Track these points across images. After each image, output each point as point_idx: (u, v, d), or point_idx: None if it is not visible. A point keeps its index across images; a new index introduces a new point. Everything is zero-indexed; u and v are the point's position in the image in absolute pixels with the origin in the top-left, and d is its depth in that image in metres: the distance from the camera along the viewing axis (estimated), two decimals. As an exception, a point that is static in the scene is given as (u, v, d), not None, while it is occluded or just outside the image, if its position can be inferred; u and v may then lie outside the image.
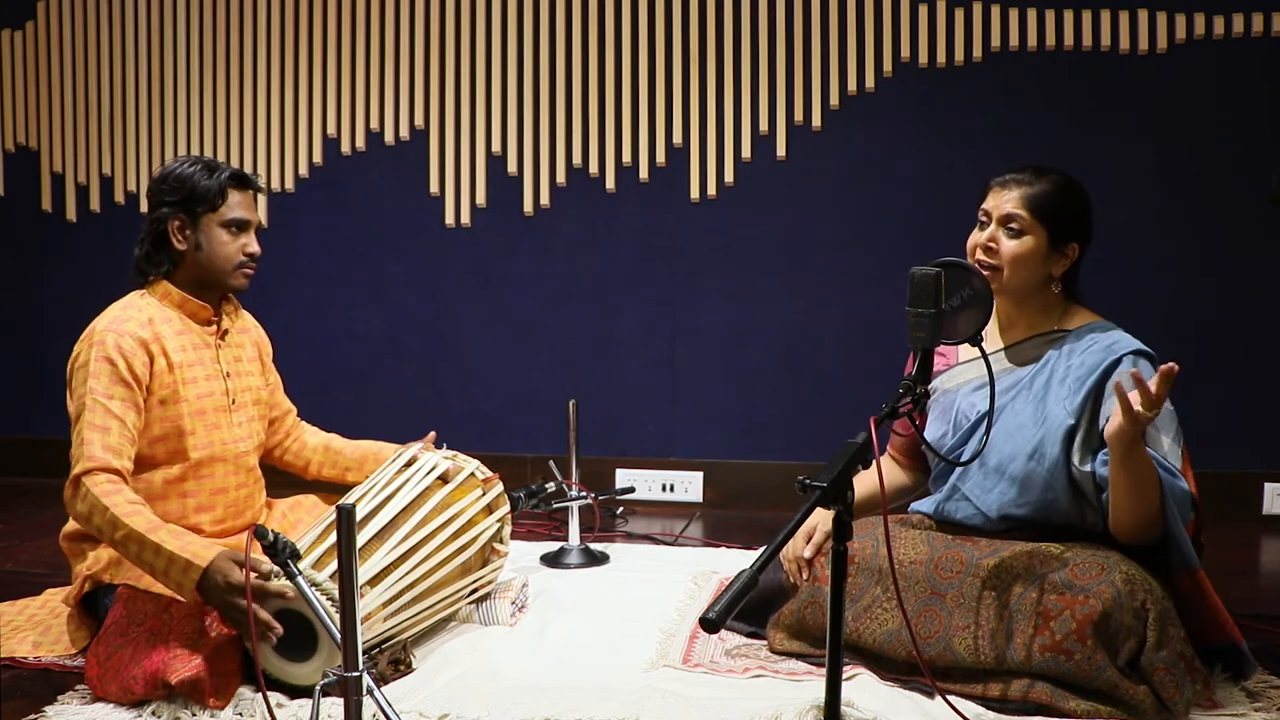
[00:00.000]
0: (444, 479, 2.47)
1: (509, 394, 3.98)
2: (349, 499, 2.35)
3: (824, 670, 1.69)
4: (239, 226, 2.38)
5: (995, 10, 3.66)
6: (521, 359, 3.97)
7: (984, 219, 2.23)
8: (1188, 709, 1.98)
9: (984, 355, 1.96)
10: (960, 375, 2.32)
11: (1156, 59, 3.60)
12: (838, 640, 1.66)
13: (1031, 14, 3.64)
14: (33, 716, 2.04)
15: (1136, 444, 1.94)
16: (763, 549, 1.61)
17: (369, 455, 2.69)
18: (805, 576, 2.29)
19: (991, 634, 2.03)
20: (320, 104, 4.00)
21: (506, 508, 2.60)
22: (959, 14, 3.68)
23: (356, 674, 1.59)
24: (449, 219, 3.96)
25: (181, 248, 2.37)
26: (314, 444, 2.73)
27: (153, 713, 2.04)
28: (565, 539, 3.12)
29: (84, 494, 2.14)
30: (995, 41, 3.66)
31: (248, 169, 3.56)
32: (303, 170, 4.03)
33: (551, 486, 3.04)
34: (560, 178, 3.91)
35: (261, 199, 3.94)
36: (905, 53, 3.71)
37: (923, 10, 3.70)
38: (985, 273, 2.13)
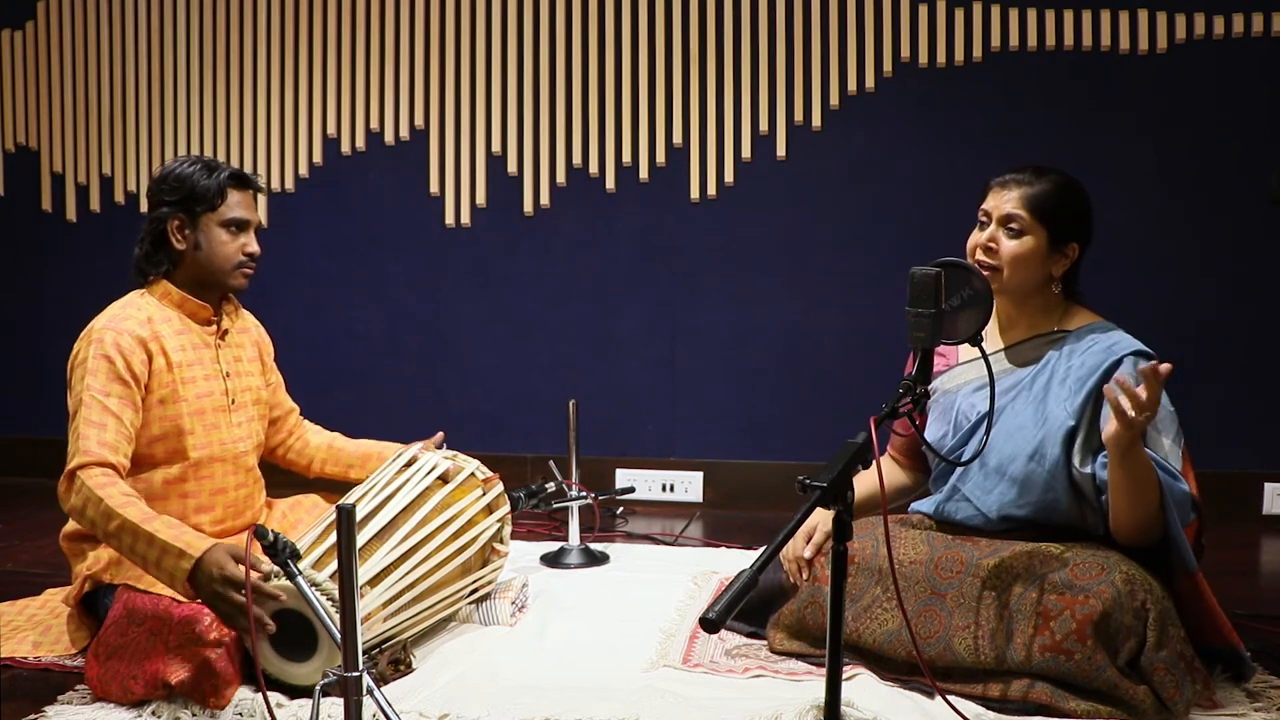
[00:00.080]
0: (444, 479, 2.47)
1: (509, 394, 3.98)
2: (349, 499, 2.35)
3: (824, 670, 1.69)
4: (238, 226, 2.38)
5: (995, 10, 3.66)
6: (521, 359, 3.97)
7: (984, 219, 2.23)
8: (1188, 709, 1.98)
9: (984, 356, 1.96)
10: (960, 376, 2.32)
11: (1156, 59, 3.60)
12: (838, 640, 1.66)
13: (1031, 14, 3.64)
14: (33, 716, 2.04)
15: (1135, 446, 1.94)
16: (763, 549, 1.61)
17: (372, 454, 2.69)
18: (805, 576, 2.29)
19: (991, 634, 2.03)
20: (320, 104, 4.00)
21: (506, 508, 2.60)
22: (959, 14, 3.68)
23: (356, 674, 1.59)
24: (449, 219, 3.96)
25: (181, 247, 2.37)
26: (317, 443, 2.73)
27: (153, 713, 2.04)
28: (565, 539, 3.12)
29: (78, 487, 2.13)
30: (995, 41, 3.66)
31: (248, 169, 3.55)
32: (303, 170, 4.03)
33: (551, 486, 3.04)
34: (560, 178, 3.91)
35: (261, 199, 3.94)
36: (905, 53, 3.71)
37: (923, 10, 3.70)
38: (985, 273, 2.12)
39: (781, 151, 3.78)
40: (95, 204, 4.15)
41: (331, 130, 4.01)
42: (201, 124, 4.07)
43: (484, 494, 2.52)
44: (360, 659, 1.60)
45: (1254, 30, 3.55)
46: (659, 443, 3.93)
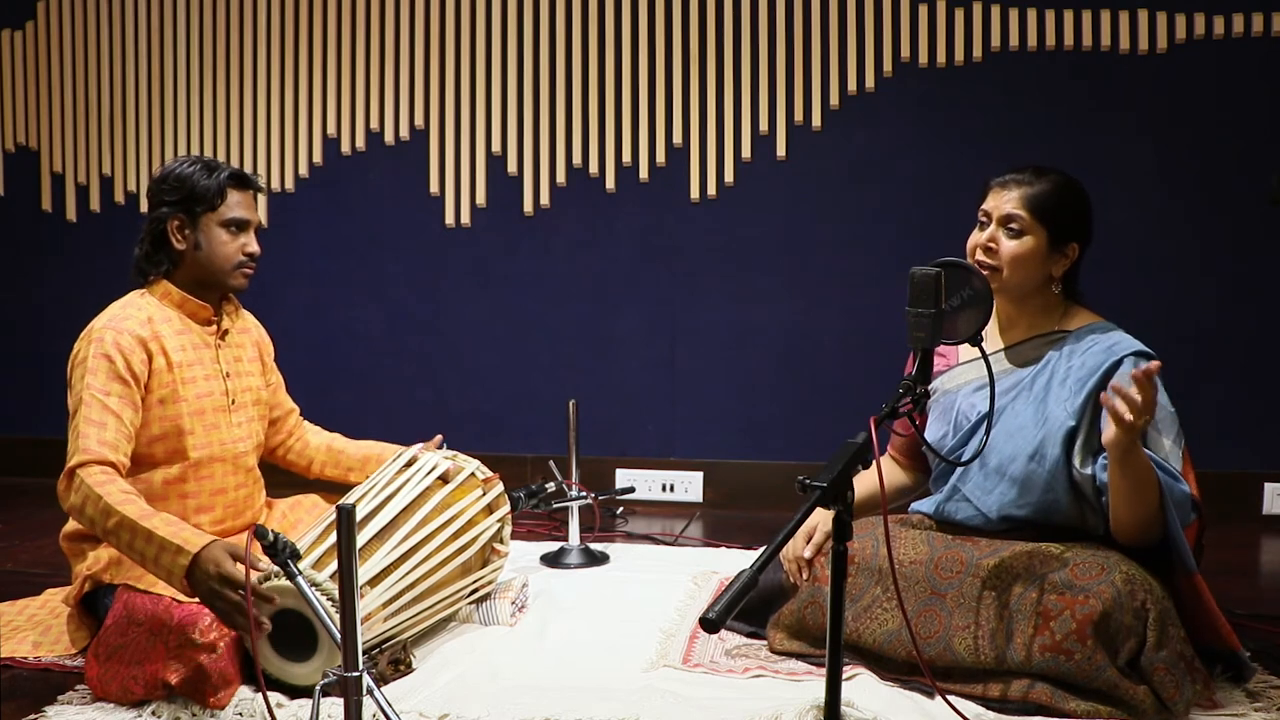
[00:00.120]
0: (444, 479, 2.47)
1: (509, 394, 3.98)
2: (349, 499, 2.35)
3: (824, 670, 1.69)
4: (238, 226, 2.38)
5: (995, 10, 3.66)
6: (521, 359, 3.97)
7: (984, 219, 2.23)
8: (1188, 709, 1.98)
9: (984, 356, 1.96)
10: (961, 376, 2.32)
11: (1156, 59, 3.60)
12: (838, 640, 1.66)
13: (1031, 14, 3.64)
14: (33, 716, 2.04)
15: (1134, 449, 1.94)
16: (763, 549, 1.61)
17: (371, 455, 2.69)
18: (805, 576, 2.29)
19: (991, 634, 2.03)
20: (320, 104, 4.00)
21: (506, 508, 2.60)
22: (959, 14, 3.68)
23: (356, 674, 1.59)
24: (449, 219, 3.96)
25: (181, 247, 2.37)
26: (316, 444, 2.73)
27: (153, 713, 2.04)
28: (565, 539, 3.12)
29: (77, 485, 2.13)
30: (995, 41, 3.66)
31: (248, 169, 3.55)
32: (303, 170, 4.03)
33: (551, 486, 3.04)
34: (560, 178, 3.91)
35: (261, 199, 3.94)
36: (905, 53, 3.71)
37: (923, 10, 3.70)
38: (985, 273, 2.12)
39: (781, 151, 3.78)
40: (95, 204, 4.15)
41: (331, 130, 4.01)
42: (201, 124, 4.07)
43: (484, 494, 2.52)
44: (360, 659, 1.60)
45: (1254, 30, 3.55)
46: (659, 443, 3.93)
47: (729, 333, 3.87)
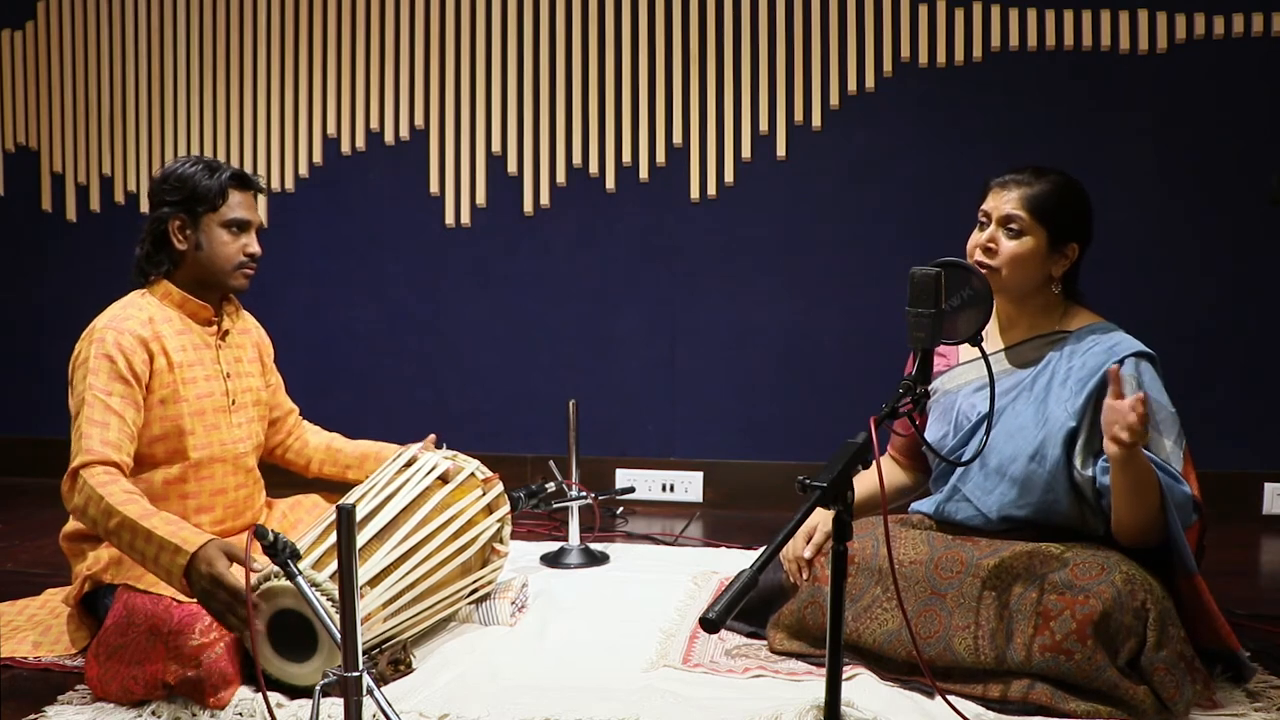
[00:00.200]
0: (444, 479, 2.47)
1: (509, 394, 3.98)
2: (349, 499, 2.35)
3: (824, 670, 1.69)
4: (240, 227, 2.38)
5: (995, 10, 3.66)
6: (521, 359, 3.97)
7: (984, 219, 2.23)
8: (1188, 709, 1.98)
9: (984, 356, 1.96)
10: (961, 376, 2.32)
11: (1156, 59, 3.60)
12: (838, 640, 1.66)
13: (1031, 14, 3.64)
14: (33, 716, 2.04)
15: (1135, 454, 1.94)
16: (763, 549, 1.61)
17: (369, 454, 2.69)
18: (805, 576, 2.29)
19: (991, 634, 2.03)
20: (320, 104, 4.00)
21: (506, 508, 2.60)
22: (959, 14, 3.68)
23: (356, 674, 1.59)
24: (449, 219, 3.96)
25: (182, 247, 2.37)
26: (315, 443, 2.73)
27: (153, 713, 2.04)
28: (565, 539, 3.12)
29: (80, 486, 2.13)
30: (995, 41, 3.66)
31: (248, 169, 3.56)
32: (303, 170, 4.03)
33: (551, 486, 3.04)
34: (560, 178, 3.91)
35: (261, 199, 3.94)
36: (905, 53, 3.71)
37: (923, 10, 3.70)
38: (984, 273, 2.12)
39: (781, 151, 3.78)
40: (95, 204, 4.15)
41: (331, 130, 4.01)
42: (201, 124, 4.07)
43: (484, 494, 2.52)
44: (360, 659, 1.60)
45: (1254, 30, 3.55)
46: (659, 443, 3.93)
47: (729, 333, 3.87)
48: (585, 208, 3.90)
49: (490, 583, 2.55)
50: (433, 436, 2.66)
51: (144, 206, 4.07)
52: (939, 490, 2.32)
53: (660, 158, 3.84)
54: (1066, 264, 2.23)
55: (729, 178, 3.82)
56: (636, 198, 3.87)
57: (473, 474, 2.55)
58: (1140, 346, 2.15)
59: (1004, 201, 2.20)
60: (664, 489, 3.90)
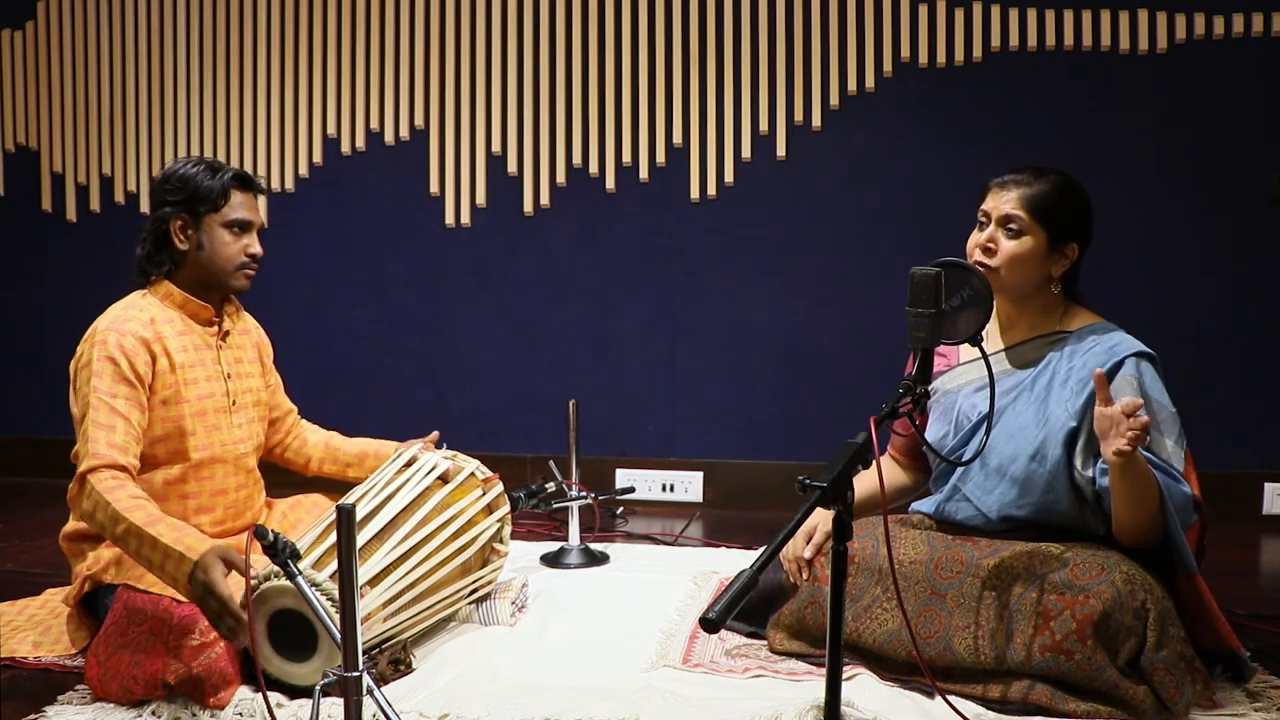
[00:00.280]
0: (444, 479, 2.47)
1: (509, 394, 3.98)
2: (348, 499, 2.35)
3: (824, 670, 1.69)
4: (241, 227, 2.38)
5: (995, 10, 3.66)
6: (521, 359, 3.97)
7: (983, 219, 2.23)
8: (1188, 709, 1.98)
9: (984, 356, 1.96)
10: (961, 376, 2.32)
11: (1156, 59, 3.60)
12: (838, 640, 1.66)
13: (1031, 14, 3.64)
14: (33, 716, 2.04)
15: (1133, 457, 1.94)
16: (763, 549, 1.61)
17: (369, 452, 2.70)
18: (805, 576, 2.29)
19: (991, 634, 2.03)
20: (320, 104, 4.00)
21: (506, 508, 2.60)
22: (959, 14, 3.68)
23: (356, 674, 1.59)
24: (449, 219, 3.96)
25: (184, 248, 2.36)
26: (314, 441, 2.74)
27: (153, 713, 2.04)
28: (565, 539, 3.12)
29: (89, 491, 2.14)
30: (995, 41, 3.66)
31: (248, 169, 3.56)
32: (303, 170, 4.03)
33: (551, 486, 3.04)
34: (560, 178, 3.91)
35: (262, 199, 3.93)
36: (905, 53, 3.71)
37: (923, 10, 3.70)
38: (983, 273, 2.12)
39: (781, 151, 3.78)
40: (95, 204, 4.15)
41: (331, 130, 4.01)
42: (201, 124, 4.07)
43: (484, 494, 2.52)
44: (360, 659, 1.60)
45: (1254, 30, 3.55)
46: (659, 443, 3.93)
47: (729, 333, 3.87)
48: (585, 208, 3.90)
49: (490, 583, 2.55)
50: (435, 434, 2.66)
51: (144, 206, 4.07)
52: (939, 490, 2.32)
53: (660, 158, 3.84)
54: (1066, 264, 2.23)
55: (729, 178, 3.82)
56: (636, 198, 3.87)
57: (473, 474, 2.55)
58: (1140, 346, 2.15)
59: (1003, 201, 2.20)
60: (664, 489, 3.90)
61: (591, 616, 2.59)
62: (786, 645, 2.29)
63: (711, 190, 3.83)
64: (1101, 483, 2.07)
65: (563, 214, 3.92)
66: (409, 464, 2.48)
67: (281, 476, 2.76)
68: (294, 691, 2.07)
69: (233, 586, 1.99)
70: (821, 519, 2.24)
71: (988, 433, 2.07)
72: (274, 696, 2.03)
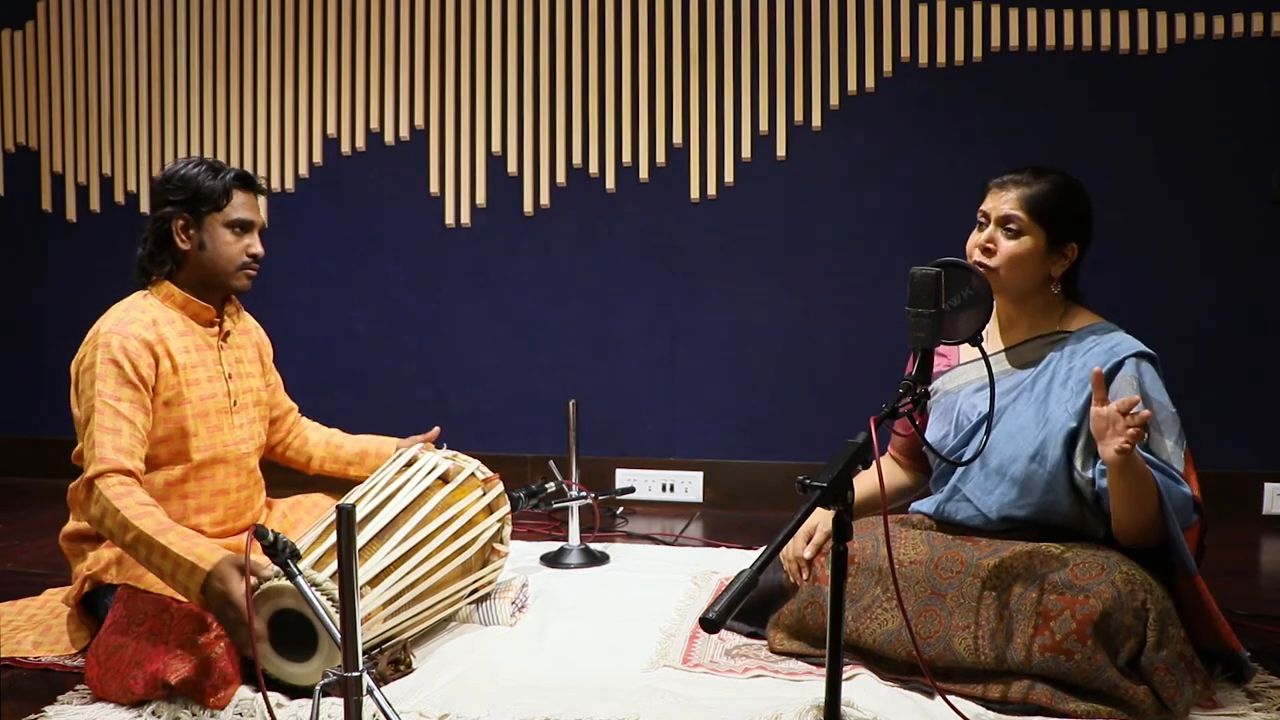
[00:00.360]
0: (444, 479, 2.47)
1: (509, 394, 3.98)
2: (349, 499, 2.35)
3: (824, 670, 1.69)
4: (243, 227, 2.38)
5: (995, 10, 3.66)
6: (521, 359, 3.97)
7: (983, 220, 2.23)
8: (1188, 709, 1.98)
9: (984, 356, 1.96)
10: (962, 376, 2.32)
11: (1156, 59, 3.60)
12: (838, 640, 1.66)
13: (1031, 14, 3.64)
14: (33, 716, 2.04)
15: (1131, 458, 1.94)
16: (763, 549, 1.61)
17: (370, 450, 2.70)
18: (805, 576, 2.29)
19: (991, 634, 2.03)
20: (320, 104, 4.00)
21: (507, 508, 2.60)
22: (959, 14, 3.68)
23: (356, 674, 1.59)
24: (449, 219, 3.96)
25: (185, 247, 2.36)
26: (315, 440, 2.74)
27: (153, 713, 2.04)
28: (565, 539, 3.12)
29: (97, 497, 2.14)
30: (995, 41, 3.66)
31: (248, 169, 3.55)
32: (303, 170, 4.03)
33: (551, 486, 3.04)
34: (560, 178, 3.91)
35: (262, 200, 3.94)
36: (905, 53, 3.71)
37: (923, 10, 3.70)
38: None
39: (781, 151, 3.78)
40: (95, 204, 4.15)
41: (331, 130, 4.01)
42: (201, 124, 4.07)
43: (484, 494, 2.52)
44: (360, 659, 1.60)
45: (1254, 30, 3.55)
46: (659, 443, 3.93)
47: (729, 333, 3.87)
48: (585, 208, 3.90)
49: (490, 583, 2.55)
50: (436, 430, 2.67)
51: (144, 206, 4.07)
52: (939, 490, 2.32)
53: (660, 158, 3.84)
54: (1066, 264, 2.23)
55: (729, 178, 3.82)
56: (636, 198, 3.87)
57: (473, 474, 2.55)
58: (1141, 347, 2.15)
59: (1002, 202, 2.20)
60: (664, 489, 3.90)
61: (591, 616, 2.59)
62: (786, 645, 2.29)
63: (711, 190, 3.83)
64: (1101, 484, 2.07)
65: (563, 214, 3.92)
66: (409, 464, 2.48)
67: (282, 476, 2.76)
68: (294, 691, 2.07)
69: (237, 589, 2.00)
70: (821, 519, 2.24)
71: (988, 433, 2.07)
72: (274, 696, 2.03)
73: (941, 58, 3.69)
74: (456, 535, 2.39)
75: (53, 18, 4.13)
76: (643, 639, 2.42)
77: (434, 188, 3.97)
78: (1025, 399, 2.19)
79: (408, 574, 2.24)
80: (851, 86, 3.74)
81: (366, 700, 1.63)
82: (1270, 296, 3.61)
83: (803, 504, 1.67)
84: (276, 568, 1.99)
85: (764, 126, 3.79)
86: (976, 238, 2.23)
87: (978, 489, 2.22)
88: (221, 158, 4.00)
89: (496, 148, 3.93)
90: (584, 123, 3.88)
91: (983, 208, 2.23)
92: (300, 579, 1.90)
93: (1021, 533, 2.18)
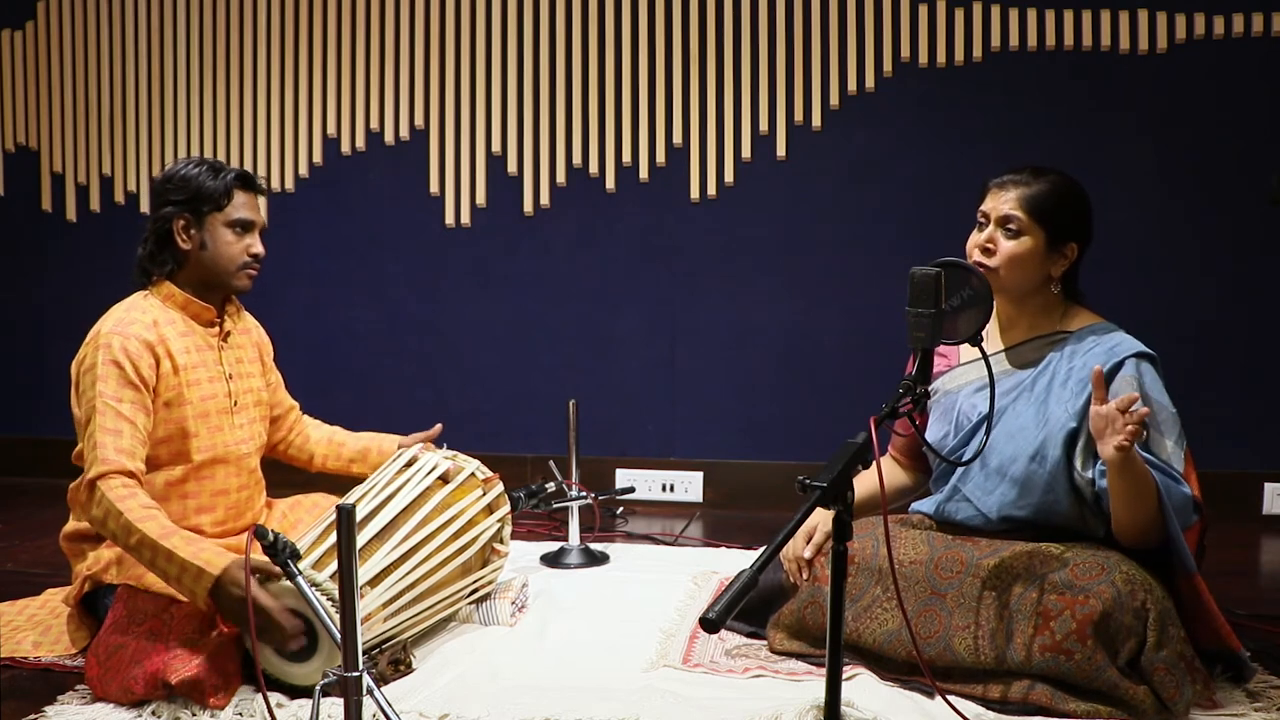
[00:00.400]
0: (444, 479, 2.47)
1: (509, 394, 3.98)
2: (349, 499, 2.35)
3: (824, 670, 1.69)
4: (244, 227, 2.38)
5: (995, 10, 3.66)
6: (521, 359, 3.97)
7: (982, 220, 2.23)
8: (1188, 709, 1.98)
9: (984, 356, 1.96)
10: (962, 376, 2.32)
11: (1156, 59, 3.60)
12: (838, 640, 1.66)
13: (1031, 14, 3.64)
14: (33, 716, 2.04)
15: (1131, 457, 1.94)
16: (763, 549, 1.61)
17: (372, 447, 2.70)
18: (805, 576, 2.29)
19: (991, 634, 2.03)
20: (320, 104, 4.00)
21: (507, 508, 2.60)
22: (959, 14, 3.68)
23: (356, 674, 1.59)
24: (449, 219, 3.96)
25: (186, 247, 2.36)
26: (317, 437, 2.74)
27: (153, 713, 2.04)
28: (565, 539, 3.12)
29: (99, 499, 2.14)
30: (995, 41, 3.66)
31: (248, 169, 3.55)
32: (303, 170, 4.03)
33: (551, 486, 3.04)
34: (560, 178, 3.91)
35: (263, 200, 3.94)
36: (905, 53, 3.71)
37: (923, 10, 3.70)
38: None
39: (781, 151, 3.78)
40: (95, 204, 4.15)
41: (331, 130, 4.01)
42: (201, 124, 4.07)
43: (484, 494, 2.52)
44: (360, 659, 1.60)
45: (1254, 30, 3.55)
46: (659, 443, 3.93)
47: (729, 333, 3.87)
48: (585, 208, 3.90)
49: (490, 583, 2.55)
50: (438, 427, 2.67)
51: (144, 206, 4.07)
52: (939, 490, 2.32)
53: (660, 158, 3.84)
54: (1066, 264, 2.23)
55: (729, 178, 3.82)
56: (636, 198, 3.87)
57: (473, 474, 2.55)
58: (1140, 347, 2.15)
59: (1002, 202, 2.20)
60: (664, 489, 3.90)
61: (591, 616, 2.59)
62: (786, 645, 2.29)
63: (711, 190, 3.83)
64: (1101, 484, 2.07)
65: (563, 214, 3.92)
66: (409, 464, 2.48)
67: (283, 476, 2.76)
68: (294, 691, 2.08)
69: (258, 593, 2.00)
70: (821, 519, 2.24)
71: (988, 433, 2.07)
72: (274, 696, 2.03)
73: (941, 58, 3.69)
74: (456, 535, 2.39)
75: (53, 18, 4.13)
76: (643, 639, 2.42)
77: (434, 188, 3.97)
78: (1025, 399, 2.19)
79: (408, 574, 2.24)
80: (851, 86, 3.74)
81: (366, 700, 1.63)
82: (1270, 296, 3.61)
83: (803, 504, 1.67)
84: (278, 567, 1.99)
85: (764, 126, 3.79)
86: (976, 238, 2.23)
87: (978, 489, 2.22)
88: (221, 158, 4.00)
89: (496, 148, 3.93)
90: (584, 123, 3.88)
91: (982, 208, 2.23)
92: (300, 579, 1.90)
93: (1021, 533, 2.18)
